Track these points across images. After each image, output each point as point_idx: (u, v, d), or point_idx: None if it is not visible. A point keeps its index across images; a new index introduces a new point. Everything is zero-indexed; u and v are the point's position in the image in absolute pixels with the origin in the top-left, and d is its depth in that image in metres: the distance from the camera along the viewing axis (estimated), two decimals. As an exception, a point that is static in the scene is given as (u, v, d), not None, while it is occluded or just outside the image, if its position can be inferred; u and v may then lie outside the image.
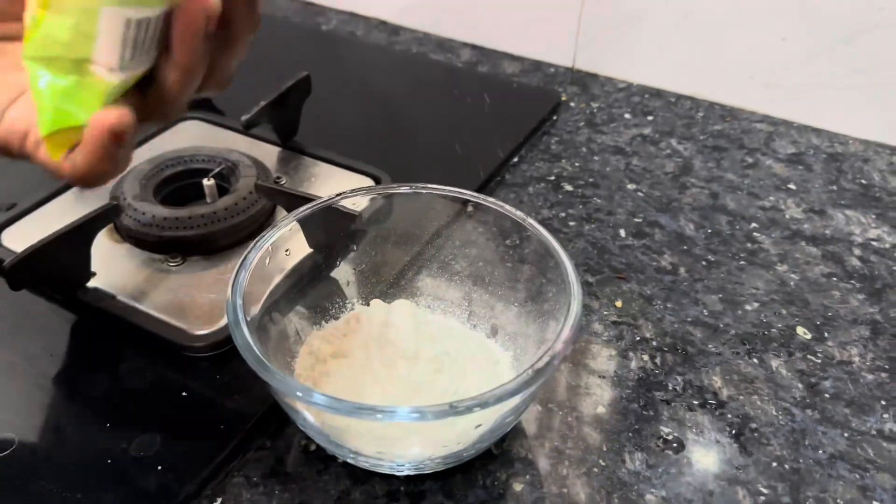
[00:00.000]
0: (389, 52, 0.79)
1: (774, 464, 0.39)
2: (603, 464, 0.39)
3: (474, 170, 0.59)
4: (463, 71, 0.75)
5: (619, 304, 0.49)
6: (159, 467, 0.37)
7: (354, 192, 0.43)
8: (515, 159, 0.62)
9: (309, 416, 0.34)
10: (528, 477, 0.39)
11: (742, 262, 0.52)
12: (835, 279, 0.51)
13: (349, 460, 0.36)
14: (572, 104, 0.70)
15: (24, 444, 0.38)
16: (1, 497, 0.36)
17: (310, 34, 0.81)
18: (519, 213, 0.42)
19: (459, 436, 0.34)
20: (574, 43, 0.74)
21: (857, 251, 0.53)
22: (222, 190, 0.52)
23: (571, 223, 0.55)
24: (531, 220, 0.41)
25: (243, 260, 0.37)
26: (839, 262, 0.52)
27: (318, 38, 0.81)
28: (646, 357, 0.45)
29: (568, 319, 0.35)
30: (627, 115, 0.68)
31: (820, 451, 0.40)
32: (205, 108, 0.65)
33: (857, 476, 0.39)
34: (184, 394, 0.41)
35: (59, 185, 0.54)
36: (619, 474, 0.39)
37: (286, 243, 0.41)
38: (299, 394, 0.31)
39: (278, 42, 0.78)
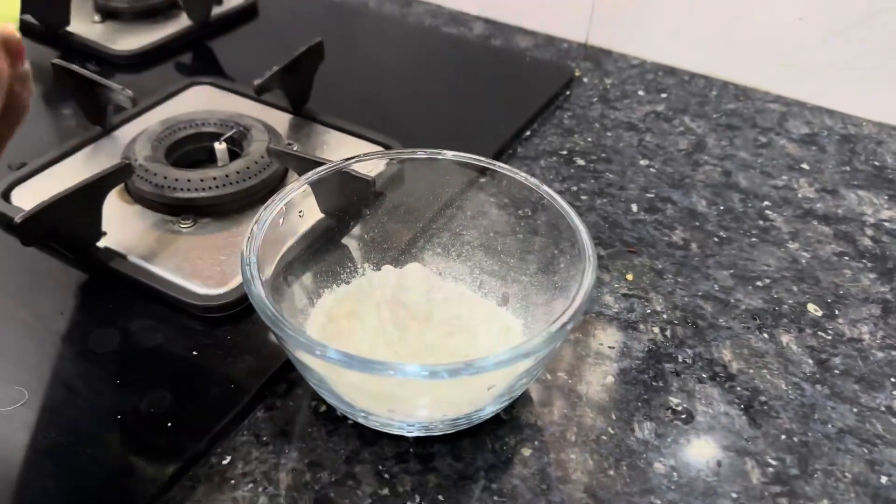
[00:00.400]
0: (402, 24, 0.78)
1: (783, 436, 0.39)
2: (612, 432, 0.39)
3: (486, 143, 0.59)
4: (475, 44, 0.75)
5: (629, 277, 0.49)
6: (169, 424, 0.38)
7: (368, 155, 0.43)
8: (528, 133, 0.62)
9: (322, 373, 0.34)
10: (536, 443, 0.39)
11: (754, 239, 0.52)
12: (846, 258, 0.51)
13: (360, 420, 0.36)
14: (585, 80, 0.69)
15: (35, 399, 0.38)
16: (10, 450, 0.36)
17: (321, 5, 0.81)
18: (533, 179, 0.41)
19: (471, 397, 0.34)
20: (588, 18, 0.73)
21: (869, 231, 0.53)
22: (233, 154, 0.52)
23: (583, 197, 0.55)
24: (546, 188, 0.41)
25: (258, 218, 0.37)
26: (851, 242, 0.52)
27: (329, 9, 0.80)
28: (656, 329, 0.45)
29: (584, 283, 0.35)
30: (641, 92, 0.68)
31: (829, 426, 0.40)
32: (215, 74, 0.65)
33: (866, 450, 0.39)
34: (194, 353, 0.41)
35: (69, 146, 0.54)
36: (627, 443, 0.39)
37: (299, 206, 0.41)
38: (315, 349, 0.31)
39: (289, 13, 0.78)
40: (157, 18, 0.72)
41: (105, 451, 0.36)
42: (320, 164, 0.44)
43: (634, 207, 0.54)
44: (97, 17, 0.72)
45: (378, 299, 0.38)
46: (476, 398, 0.34)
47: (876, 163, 0.60)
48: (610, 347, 0.44)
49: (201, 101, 0.60)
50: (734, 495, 0.37)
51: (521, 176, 0.42)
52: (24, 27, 0.70)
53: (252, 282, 0.33)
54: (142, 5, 0.72)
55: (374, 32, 0.76)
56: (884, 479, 0.37)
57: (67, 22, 0.69)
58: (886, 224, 0.54)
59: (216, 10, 0.73)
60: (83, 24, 0.71)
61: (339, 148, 0.55)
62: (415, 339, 0.36)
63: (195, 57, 0.69)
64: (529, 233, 0.43)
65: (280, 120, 0.58)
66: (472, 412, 0.35)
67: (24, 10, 0.69)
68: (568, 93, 0.67)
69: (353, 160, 0.43)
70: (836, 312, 0.47)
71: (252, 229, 0.36)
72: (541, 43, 0.75)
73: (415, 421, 0.35)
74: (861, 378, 0.43)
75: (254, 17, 0.76)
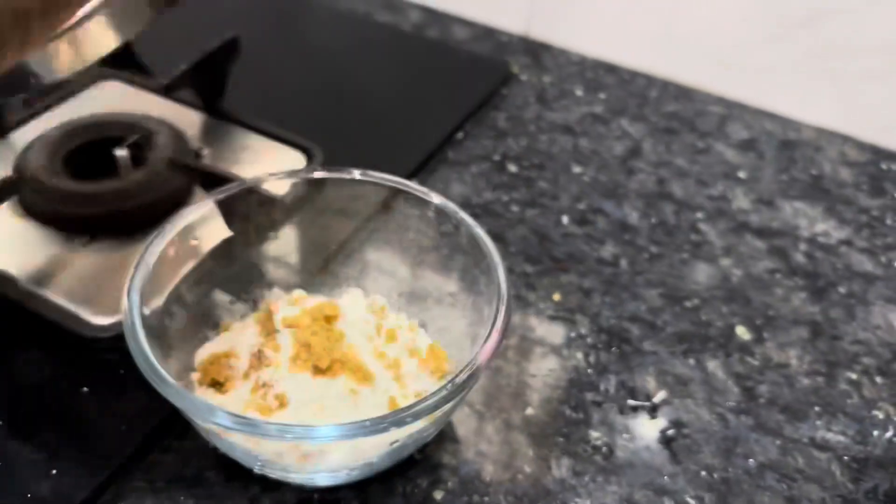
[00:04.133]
0: (332, 10, 0.74)
1: (703, 472, 0.38)
2: (528, 470, 0.38)
3: (416, 145, 0.56)
4: (410, 35, 0.71)
5: (556, 297, 0.47)
6: (54, 471, 0.35)
7: (276, 175, 0.40)
8: (460, 135, 0.59)
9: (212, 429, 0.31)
10: (449, 484, 0.37)
11: (685, 255, 0.50)
12: (778, 275, 0.50)
13: (256, 470, 0.34)
14: (523, 77, 0.66)
15: None
16: None
17: (250, -13, 0.76)
18: (451, 205, 0.39)
19: (374, 449, 0.32)
20: (529, 8, 0.70)
21: (802, 246, 0.52)
22: (140, 161, 0.48)
23: (514, 208, 0.53)
24: (463, 215, 0.39)
25: (143, 255, 0.34)
26: (784, 258, 0.51)
27: (258, -8, 0.75)
28: (580, 355, 0.44)
29: (494, 328, 0.33)
30: (579, 92, 0.65)
31: (750, 460, 0.39)
32: (129, 67, 0.60)
33: (785, 486, 0.38)
34: (84, 389, 0.38)
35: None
36: (544, 482, 0.37)
37: (201, 227, 0.38)
38: (203, 413, 0.28)
39: (215, -6, 0.73)
40: (68, 1, 0.67)
41: (-22, 504, 0.33)
42: (226, 180, 0.41)
43: (565, 219, 0.52)
44: None
45: (283, 341, 0.35)
46: (379, 450, 0.32)
47: (813, 171, 0.59)
48: (531, 375, 0.42)
49: (109, 100, 0.55)
50: (650, 539, 0.35)
51: (443, 205, 0.39)
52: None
53: (132, 331, 0.31)
54: (51, -14, 0.66)
55: (302, 20, 0.72)
56: (802, 519, 0.37)
57: (-33, 3, 0.64)
58: (820, 238, 0.53)
59: (133, -7, 0.68)
60: (-15, 6, 0.65)
61: (255, 154, 0.52)
62: (319, 387, 0.34)
63: (109, 45, 0.65)
64: (452, 249, 0.41)
65: (193, 121, 0.54)
66: (378, 462, 0.33)
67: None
68: (504, 91, 0.64)
69: (261, 179, 0.40)
70: (765, 335, 0.46)
71: (136, 267, 0.33)
72: (479, 34, 0.72)
73: (315, 473, 0.33)
74: (786, 407, 0.42)
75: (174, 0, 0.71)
